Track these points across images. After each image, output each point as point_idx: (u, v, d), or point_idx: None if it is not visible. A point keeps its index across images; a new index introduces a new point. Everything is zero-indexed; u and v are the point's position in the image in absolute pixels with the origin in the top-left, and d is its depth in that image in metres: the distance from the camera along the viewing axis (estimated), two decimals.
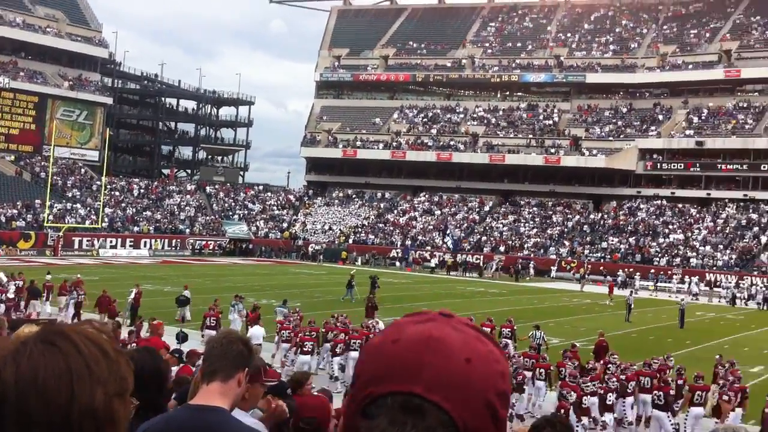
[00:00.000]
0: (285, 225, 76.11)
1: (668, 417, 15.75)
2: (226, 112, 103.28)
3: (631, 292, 40.87)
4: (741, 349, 28.45)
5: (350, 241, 71.48)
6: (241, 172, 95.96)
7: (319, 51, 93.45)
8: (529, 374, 18.14)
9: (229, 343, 3.13)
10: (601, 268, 58.88)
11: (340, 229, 74.24)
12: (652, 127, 73.21)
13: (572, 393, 15.20)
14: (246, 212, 78.12)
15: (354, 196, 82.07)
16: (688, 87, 75.78)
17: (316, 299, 36.82)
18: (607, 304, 42.33)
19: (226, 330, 3.79)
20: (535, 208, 73.38)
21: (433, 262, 63.46)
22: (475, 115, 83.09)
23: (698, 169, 68.29)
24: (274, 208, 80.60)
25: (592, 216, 69.93)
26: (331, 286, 45.60)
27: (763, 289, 48.81)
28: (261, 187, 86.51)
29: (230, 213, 77.18)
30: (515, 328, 23.99)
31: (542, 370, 18.20)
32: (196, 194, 79.50)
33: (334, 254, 67.55)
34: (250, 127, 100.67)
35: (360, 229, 73.86)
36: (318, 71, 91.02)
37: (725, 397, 15.54)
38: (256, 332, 21.21)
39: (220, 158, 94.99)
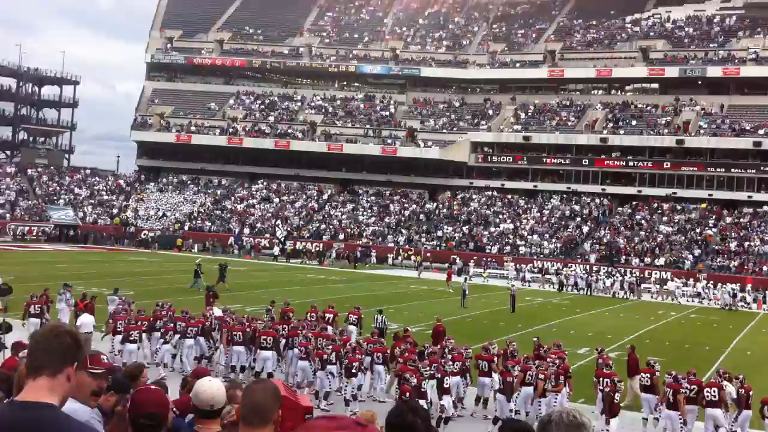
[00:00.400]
0: (115, 211, 72.91)
1: (506, 401, 16.30)
2: (49, 92, 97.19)
3: (466, 279, 42.29)
4: (568, 332, 30.06)
5: (186, 228, 69.53)
6: (66, 155, 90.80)
7: (150, 31, 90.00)
8: (368, 359, 18.23)
9: (55, 336, 2.93)
10: (428, 254, 60.30)
11: (174, 216, 72.02)
12: (483, 122, 76.02)
13: (413, 376, 15.40)
14: (72, 197, 74.13)
15: (189, 182, 79.86)
16: (516, 84, 79.27)
17: (150, 288, 35.49)
18: (446, 290, 43.48)
19: (53, 323, 3.52)
20: (373, 197, 74.43)
21: (276, 249, 62.79)
22: (312, 104, 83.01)
23: (525, 162, 71.64)
24: (103, 193, 76.99)
25: (427, 205, 71.78)
26: (166, 274, 44.25)
27: (585, 275, 51.91)
28: (88, 171, 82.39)
29: (55, 198, 73.00)
30: (362, 315, 23.85)
31: (380, 354, 18.38)
32: (17, 177, 74.63)
33: (169, 241, 65.46)
34: (75, 108, 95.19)
35: (196, 216, 72.01)
36: (149, 52, 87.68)
37: (541, 376, 16.30)
38: (86, 320, 20.33)
39: (42, 140, 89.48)
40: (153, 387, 6.03)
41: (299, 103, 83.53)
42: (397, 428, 3.20)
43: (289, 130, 78.22)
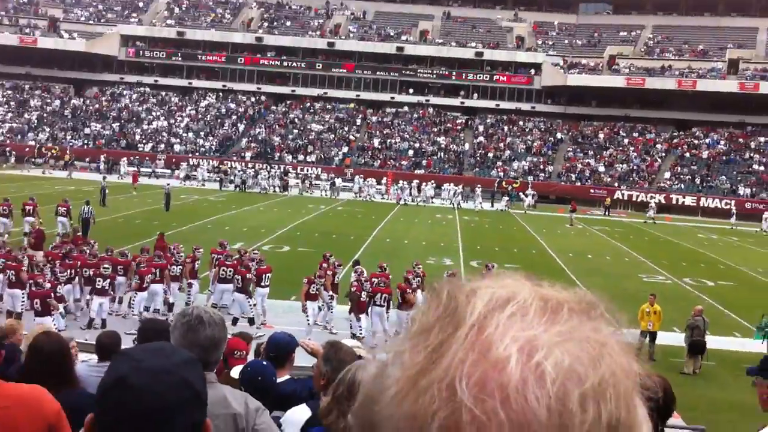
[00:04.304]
0: None
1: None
2: None
3: (104, 177, 41.13)
4: (223, 228, 30.35)
5: None
6: None
7: None
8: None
9: None
10: (65, 155, 55.70)
11: None
12: (134, 14, 72.09)
13: None
14: None
15: None
16: None
17: None
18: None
19: None
20: (9, 91, 67.41)
21: None
22: None
23: (180, 58, 69.44)
24: None
25: (73, 101, 66.84)
26: None
27: (240, 172, 52.23)
28: None
29: None
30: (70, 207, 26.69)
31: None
32: None
33: None
34: None
35: None
36: None
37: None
38: None
39: None
40: None
41: None
42: None
43: None
